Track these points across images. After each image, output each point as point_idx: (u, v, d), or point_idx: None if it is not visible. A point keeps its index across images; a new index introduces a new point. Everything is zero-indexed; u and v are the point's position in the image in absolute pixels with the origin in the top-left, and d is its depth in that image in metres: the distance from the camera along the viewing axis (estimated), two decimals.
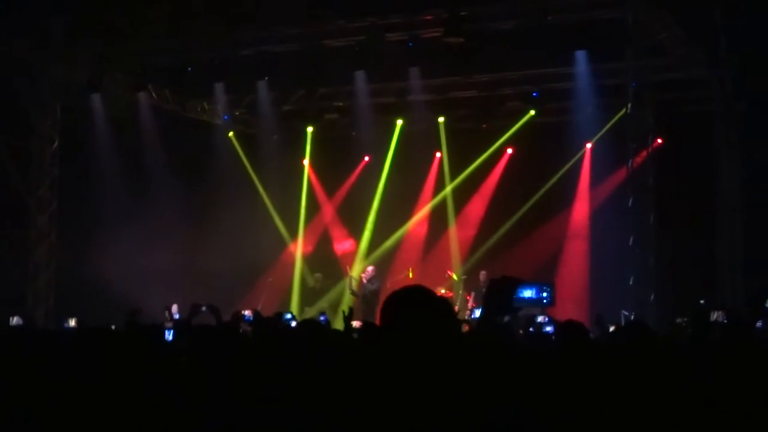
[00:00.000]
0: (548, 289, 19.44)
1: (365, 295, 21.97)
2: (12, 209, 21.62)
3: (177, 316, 18.66)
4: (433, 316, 3.59)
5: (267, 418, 3.79)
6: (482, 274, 21.64)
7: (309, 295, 25.17)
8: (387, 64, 21.24)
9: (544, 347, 7.75)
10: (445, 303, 3.72)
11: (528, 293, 19.01)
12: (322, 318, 16.64)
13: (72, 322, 16.98)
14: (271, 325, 10.35)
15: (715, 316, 11.11)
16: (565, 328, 6.56)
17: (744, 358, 5.37)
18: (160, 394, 4.46)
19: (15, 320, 14.91)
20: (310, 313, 22.42)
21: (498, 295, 4.59)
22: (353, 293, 22.45)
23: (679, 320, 14.73)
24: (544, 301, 19.22)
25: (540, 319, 17.37)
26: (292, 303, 25.26)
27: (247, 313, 12.26)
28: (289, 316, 15.55)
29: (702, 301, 13.73)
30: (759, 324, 13.72)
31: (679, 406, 5.02)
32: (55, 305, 21.64)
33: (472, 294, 21.66)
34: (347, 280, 22.99)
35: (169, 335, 10.02)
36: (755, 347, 5.56)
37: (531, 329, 14.68)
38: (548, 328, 11.43)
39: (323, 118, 26.03)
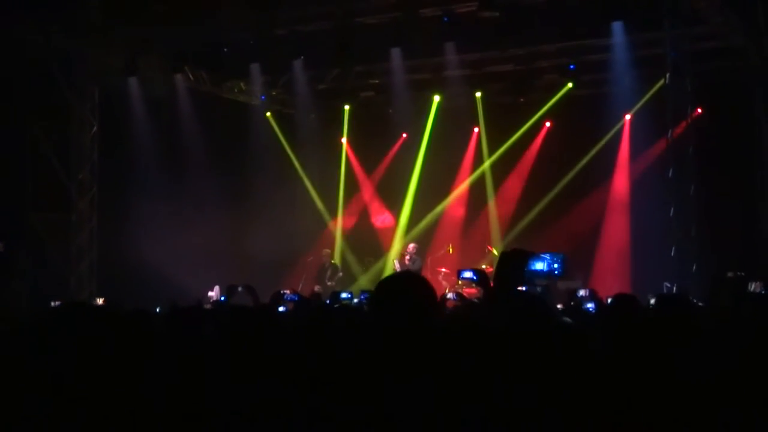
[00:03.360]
0: (559, 260, 19.31)
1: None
2: (52, 195, 21.74)
3: (221, 299, 18.66)
4: (416, 304, 3.67)
5: (292, 402, 3.79)
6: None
7: (347, 274, 25.18)
8: (422, 40, 21.14)
9: (584, 323, 7.67)
10: (429, 291, 3.79)
11: (540, 265, 18.88)
12: (362, 297, 16.57)
13: (99, 301, 17.04)
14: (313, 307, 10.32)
15: (752, 287, 11.01)
16: (618, 301, 6.48)
17: None
18: (187, 379, 4.47)
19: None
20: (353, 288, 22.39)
21: (509, 268, 4.58)
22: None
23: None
24: (556, 272, 19.11)
25: (582, 293, 17.17)
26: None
27: (287, 292, 12.20)
28: (345, 294, 15.47)
29: (730, 274, 13.58)
30: None
31: (719, 380, 4.97)
32: (97, 289, 21.78)
33: None
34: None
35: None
36: None
37: (572, 303, 14.52)
38: (589, 305, 11.27)
39: (359, 96, 26.04)
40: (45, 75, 21.08)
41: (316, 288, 22.30)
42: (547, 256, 19.26)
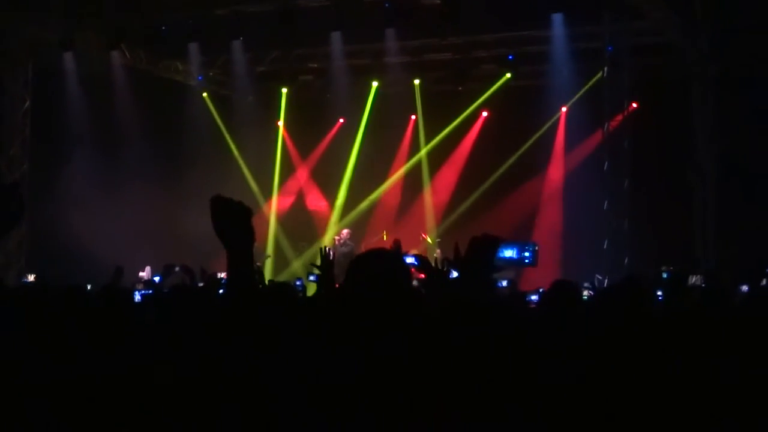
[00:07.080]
0: (530, 249, 19.07)
1: (339, 259, 21.75)
2: None
3: (155, 279, 18.47)
4: (393, 279, 3.54)
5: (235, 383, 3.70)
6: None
7: (281, 258, 25.07)
8: (363, 26, 21.09)
9: (527, 308, 7.66)
10: (406, 267, 3.68)
11: (509, 253, 18.56)
12: (297, 283, 16.46)
13: (30, 278, 16.78)
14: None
15: (693, 280, 11.14)
16: (558, 287, 6.41)
17: (725, 324, 5.32)
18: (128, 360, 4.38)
19: None
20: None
21: (479, 255, 4.48)
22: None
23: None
24: (526, 260, 18.86)
25: (504, 284, 17.03)
26: (266, 266, 25.10)
27: (223, 275, 12.04)
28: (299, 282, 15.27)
29: (671, 268, 13.68)
30: (744, 288, 13.74)
31: (664, 372, 4.98)
32: (26, 266, 21.44)
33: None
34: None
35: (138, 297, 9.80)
36: (736, 312, 5.52)
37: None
38: (533, 297, 11.13)
39: (298, 80, 25.90)
40: None
41: None
42: (517, 244, 19.05)
